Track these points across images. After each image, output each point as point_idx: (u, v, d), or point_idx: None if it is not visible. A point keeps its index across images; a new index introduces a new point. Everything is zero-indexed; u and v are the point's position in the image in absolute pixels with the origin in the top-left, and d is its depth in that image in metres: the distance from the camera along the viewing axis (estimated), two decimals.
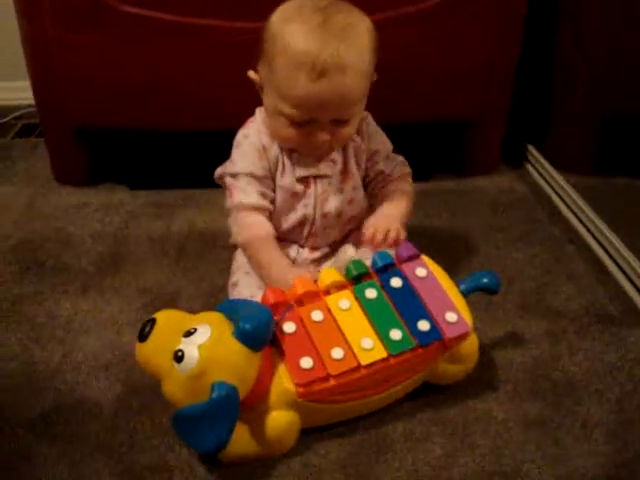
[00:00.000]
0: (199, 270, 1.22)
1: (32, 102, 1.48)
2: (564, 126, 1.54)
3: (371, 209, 1.09)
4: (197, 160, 1.42)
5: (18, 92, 1.86)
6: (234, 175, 1.02)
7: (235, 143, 1.04)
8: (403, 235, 1.00)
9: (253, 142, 1.02)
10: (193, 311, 0.88)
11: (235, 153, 1.03)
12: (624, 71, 1.42)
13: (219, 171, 1.08)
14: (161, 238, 1.32)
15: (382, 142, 1.09)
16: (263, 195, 1.02)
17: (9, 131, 1.83)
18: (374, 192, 1.10)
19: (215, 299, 1.08)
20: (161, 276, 1.21)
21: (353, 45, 0.91)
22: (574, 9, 1.44)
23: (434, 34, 1.35)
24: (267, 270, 1.00)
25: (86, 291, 1.17)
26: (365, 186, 1.10)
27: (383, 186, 1.08)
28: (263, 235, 1.01)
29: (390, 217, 1.02)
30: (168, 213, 1.41)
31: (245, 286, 1.04)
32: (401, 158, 1.10)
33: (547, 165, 1.55)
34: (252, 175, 1.01)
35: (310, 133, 0.96)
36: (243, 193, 1.01)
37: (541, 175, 1.56)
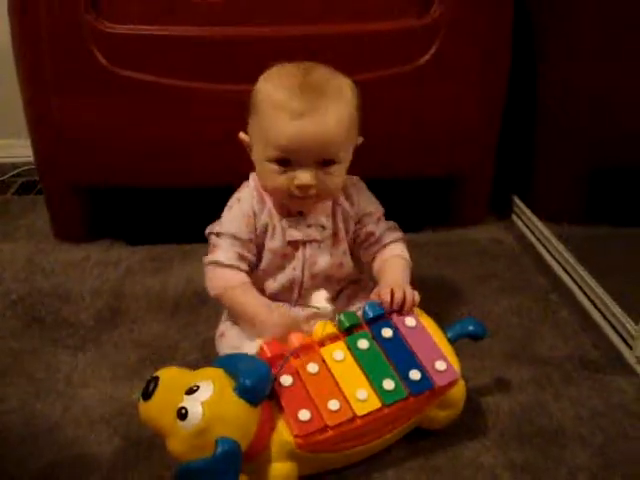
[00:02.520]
0: (195, 324, 1.24)
1: (31, 159, 1.51)
2: (547, 178, 1.59)
3: (362, 267, 1.13)
4: (194, 215, 1.45)
5: (18, 149, 1.91)
6: (218, 234, 1.06)
7: (227, 205, 1.08)
8: (417, 298, 1.01)
9: (244, 207, 1.05)
10: (189, 364, 0.90)
11: (225, 214, 1.07)
12: (606, 124, 1.47)
13: (209, 229, 1.10)
14: (158, 293, 1.35)
15: (373, 205, 1.11)
16: (242, 257, 1.04)
17: (9, 188, 1.87)
18: (366, 254, 1.11)
19: (210, 352, 1.10)
20: (158, 330, 1.23)
21: (332, 92, 0.97)
22: (557, 63, 1.49)
23: (421, 94, 1.40)
24: (249, 315, 1.02)
25: (85, 345, 1.19)
26: (353, 248, 1.11)
27: (376, 250, 1.10)
28: (236, 284, 1.03)
29: (401, 283, 1.02)
30: (166, 268, 1.44)
31: (232, 337, 1.06)
32: (392, 223, 1.12)
33: (532, 216, 1.59)
34: (235, 237, 1.04)
35: (295, 177, 0.98)
36: (223, 252, 1.04)
37: (527, 226, 1.60)
